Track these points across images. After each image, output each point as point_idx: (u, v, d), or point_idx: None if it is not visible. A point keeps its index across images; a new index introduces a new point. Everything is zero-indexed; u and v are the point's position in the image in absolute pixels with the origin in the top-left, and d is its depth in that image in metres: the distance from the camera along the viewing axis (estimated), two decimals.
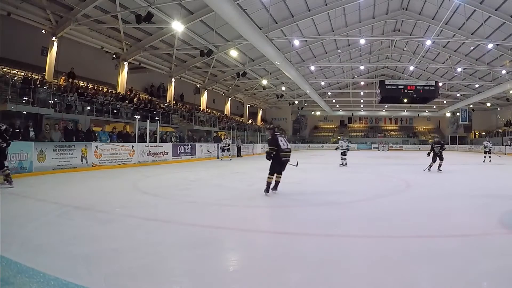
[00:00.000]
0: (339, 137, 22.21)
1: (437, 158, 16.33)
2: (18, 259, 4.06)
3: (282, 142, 9.33)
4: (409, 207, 8.02)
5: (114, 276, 3.83)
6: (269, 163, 9.34)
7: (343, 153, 20.10)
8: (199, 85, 40.73)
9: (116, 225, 6.08)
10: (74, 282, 3.50)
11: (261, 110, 62.16)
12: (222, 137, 31.93)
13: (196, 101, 42.20)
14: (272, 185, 9.38)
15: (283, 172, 9.67)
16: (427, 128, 69.67)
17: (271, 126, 10.36)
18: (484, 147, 24.13)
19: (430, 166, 16.47)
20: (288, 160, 9.56)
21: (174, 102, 35.77)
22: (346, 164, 19.79)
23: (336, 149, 21.18)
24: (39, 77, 21.26)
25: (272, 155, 9.27)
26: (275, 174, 9.36)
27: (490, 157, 23.78)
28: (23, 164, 12.65)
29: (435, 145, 16.58)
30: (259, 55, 31.82)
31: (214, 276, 3.93)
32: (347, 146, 20.59)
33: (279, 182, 9.57)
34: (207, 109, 41.10)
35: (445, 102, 55.27)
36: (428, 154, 16.73)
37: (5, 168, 10.11)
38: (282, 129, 63.34)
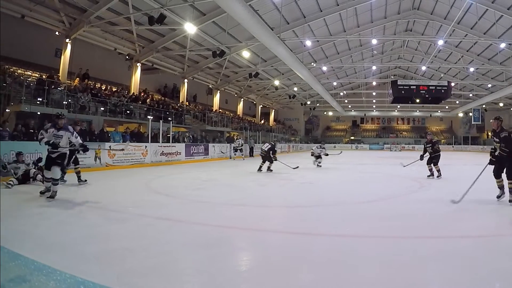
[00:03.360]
0: (319, 145, 21.64)
1: (432, 161, 14.05)
2: (35, 257, 4.14)
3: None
4: (420, 208, 7.98)
5: (127, 274, 3.89)
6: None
7: (318, 157, 19.79)
8: (212, 85, 40.78)
9: (129, 224, 6.14)
10: (90, 280, 3.58)
11: (273, 110, 62.09)
12: (235, 138, 32.05)
13: (208, 102, 42.35)
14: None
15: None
16: (439, 128, 69.15)
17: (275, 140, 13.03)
18: None
19: (430, 171, 14.06)
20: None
21: (187, 102, 35.88)
22: (320, 165, 19.42)
23: (312, 154, 20.44)
24: (55, 77, 21.40)
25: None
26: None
27: None
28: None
29: (427, 145, 14.43)
30: (271, 55, 31.82)
31: (226, 275, 3.97)
32: (319, 151, 20.06)
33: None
34: (220, 110, 41.18)
35: (457, 102, 54.82)
36: (421, 157, 14.42)
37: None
38: (294, 129, 63.42)
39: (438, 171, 13.96)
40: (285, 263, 4.40)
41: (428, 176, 14.05)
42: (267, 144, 17.34)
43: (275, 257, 4.71)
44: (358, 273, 4.10)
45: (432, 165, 14.05)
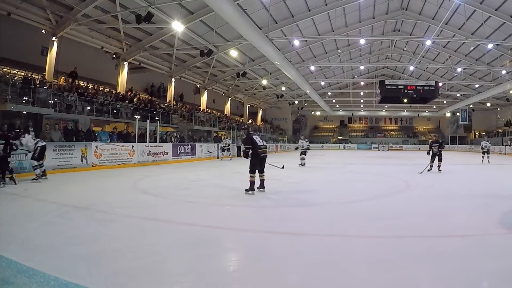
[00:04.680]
0: (300, 137, 21.90)
1: (436, 158, 16.03)
2: (18, 259, 4.07)
3: (258, 140, 9.72)
4: (408, 207, 8.02)
5: (114, 276, 3.85)
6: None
7: (303, 153, 19.88)
8: (199, 85, 40.70)
9: (116, 225, 6.09)
10: (74, 282, 3.51)
11: (261, 110, 62.08)
12: (222, 137, 32.00)
13: (196, 101, 42.19)
14: (257, 184, 9.68)
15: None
16: (427, 128, 69.61)
17: (246, 126, 11.01)
18: (482, 148, 23.67)
19: (431, 166, 16.05)
20: (266, 156, 9.85)
21: (174, 102, 35.73)
22: (304, 164, 19.41)
23: (296, 149, 20.73)
24: (39, 77, 21.23)
25: (249, 153, 9.65)
26: (257, 173, 9.63)
27: (488, 157, 23.19)
28: (23, 164, 12.65)
29: (434, 144, 16.34)
30: (259, 55, 31.82)
31: (215, 276, 3.94)
32: (308, 145, 20.53)
33: (263, 180, 9.83)
34: (207, 109, 41.02)
35: (445, 102, 55.26)
36: (428, 153, 16.41)
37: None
38: (282, 129, 63.45)
39: (439, 166, 16.08)
40: (274, 263, 4.39)
41: (427, 170, 15.93)
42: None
43: (263, 257, 4.70)
44: (348, 273, 4.10)
45: (437, 160, 16.07)
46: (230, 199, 9.05)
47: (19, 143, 11.82)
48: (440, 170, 15.84)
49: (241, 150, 9.27)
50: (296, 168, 18.58)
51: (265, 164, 9.98)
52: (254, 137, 9.80)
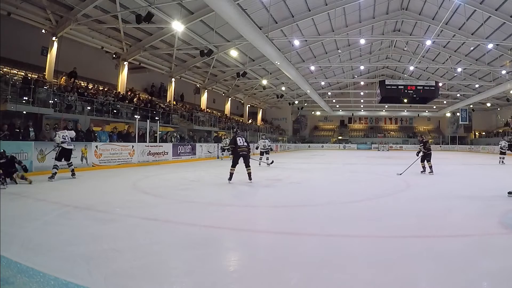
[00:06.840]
0: (262, 136, 22.04)
1: (425, 159, 15.54)
2: (18, 259, 4.06)
3: (240, 140, 11.88)
4: (408, 207, 8.01)
5: (114, 276, 3.83)
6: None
7: (266, 152, 19.88)
8: (199, 85, 40.68)
9: (116, 225, 6.08)
10: (74, 282, 3.51)
11: (261, 110, 62.07)
12: (223, 137, 31.96)
13: (196, 101, 42.19)
14: (247, 178, 11.82)
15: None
16: (427, 128, 69.58)
17: (235, 130, 12.69)
18: (501, 148, 22.79)
19: (423, 167, 15.52)
20: (245, 154, 11.92)
21: (174, 102, 35.71)
22: (268, 164, 19.20)
23: (257, 148, 20.48)
24: (40, 76, 21.19)
25: (232, 149, 12.25)
26: (245, 167, 11.93)
27: (504, 158, 22.42)
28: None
29: (420, 145, 16.16)
30: (259, 55, 31.82)
31: (215, 276, 3.93)
32: (269, 145, 20.52)
33: (250, 173, 11.91)
34: (207, 109, 41.03)
35: (445, 102, 55.27)
36: (417, 154, 15.96)
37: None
38: (282, 129, 63.40)
39: (430, 167, 15.36)
40: (274, 263, 4.38)
41: (421, 171, 15.45)
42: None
43: (263, 257, 4.71)
44: (347, 273, 4.09)
45: (425, 162, 15.56)
46: (230, 199, 9.07)
47: (55, 134, 12.54)
48: (432, 172, 15.16)
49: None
50: (296, 168, 18.59)
51: (250, 160, 12.15)
52: (238, 138, 11.93)
